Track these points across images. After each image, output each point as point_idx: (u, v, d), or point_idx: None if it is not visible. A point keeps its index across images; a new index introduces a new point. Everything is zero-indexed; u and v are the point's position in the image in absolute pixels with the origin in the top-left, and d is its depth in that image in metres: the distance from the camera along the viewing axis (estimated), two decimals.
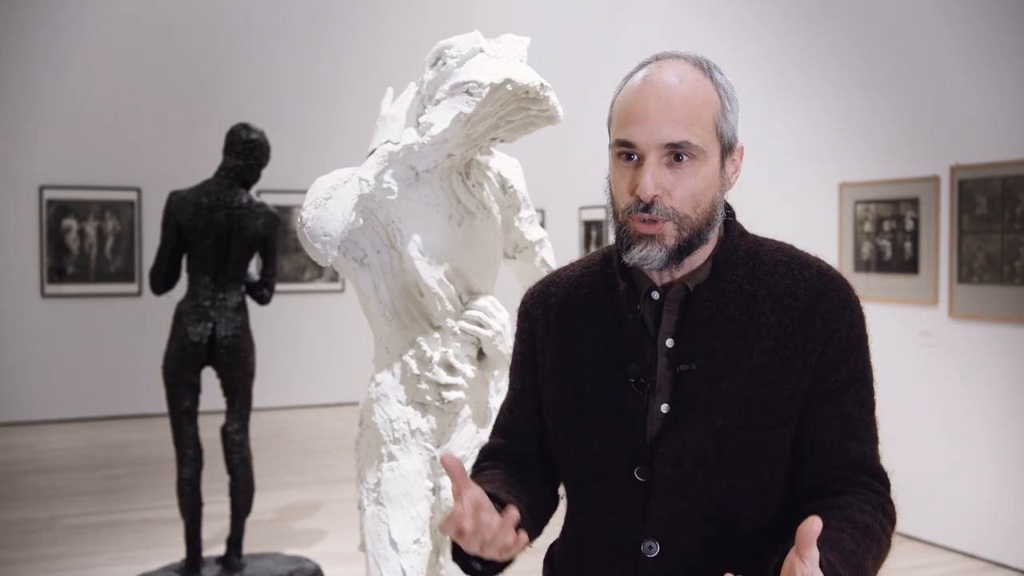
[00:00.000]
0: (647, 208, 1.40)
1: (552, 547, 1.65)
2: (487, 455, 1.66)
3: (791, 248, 1.52)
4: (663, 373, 1.45)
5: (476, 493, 1.36)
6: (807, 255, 1.51)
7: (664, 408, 1.44)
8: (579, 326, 1.55)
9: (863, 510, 1.38)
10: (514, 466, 1.61)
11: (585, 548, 1.53)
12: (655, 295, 1.48)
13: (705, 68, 1.46)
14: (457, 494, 1.35)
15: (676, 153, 1.40)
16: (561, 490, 1.62)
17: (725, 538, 1.42)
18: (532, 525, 1.52)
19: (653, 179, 1.39)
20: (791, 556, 1.22)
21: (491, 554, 1.35)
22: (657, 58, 1.47)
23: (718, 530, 1.42)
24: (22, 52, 8.67)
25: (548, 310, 1.60)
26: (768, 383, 1.42)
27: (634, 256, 1.43)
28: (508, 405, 1.67)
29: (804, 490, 1.44)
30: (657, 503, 1.42)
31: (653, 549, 1.43)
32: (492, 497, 1.44)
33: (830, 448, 1.43)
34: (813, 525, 1.20)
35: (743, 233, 1.53)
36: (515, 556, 1.41)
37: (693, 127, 1.40)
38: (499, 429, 1.68)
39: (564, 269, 1.66)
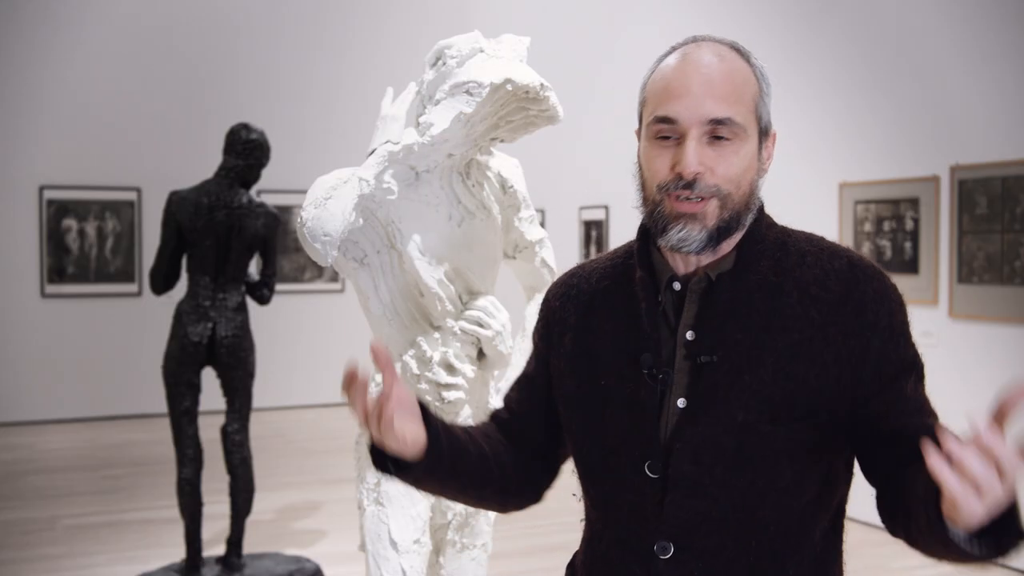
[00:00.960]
0: (689, 186, 1.35)
1: (574, 556, 1.59)
2: (491, 419, 1.67)
3: (820, 239, 1.46)
4: (681, 366, 1.40)
5: (404, 393, 1.38)
6: (837, 245, 1.45)
7: (681, 403, 1.38)
8: (598, 317, 1.51)
9: None
10: (504, 435, 1.61)
11: (599, 548, 1.48)
12: (676, 286, 1.44)
13: (743, 52, 1.43)
14: (387, 384, 1.36)
15: (717, 133, 1.36)
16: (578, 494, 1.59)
17: (743, 539, 1.36)
18: (471, 461, 1.51)
19: (696, 155, 1.35)
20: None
21: (369, 425, 1.36)
22: (694, 39, 1.44)
23: (736, 531, 1.35)
24: (22, 52, 8.67)
25: (568, 301, 1.57)
26: (793, 376, 1.35)
27: (672, 238, 1.37)
28: (515, 383, 1.66)
29: (900, 475, 1.32)
30: (672, 501, 1.37)
31: (667, 550, 1.37)
32: (445, 426, 1.47)
33: (913, 427, 1.32)
34: (1015, 388, 1.07)
35: (771, 224, 1.47)
36: (420, 465, 1.42)
37: (736, 104, 1.37)
38: (505, 399, 1.68)
39: (589, 262, 1.62)
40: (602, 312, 1.51)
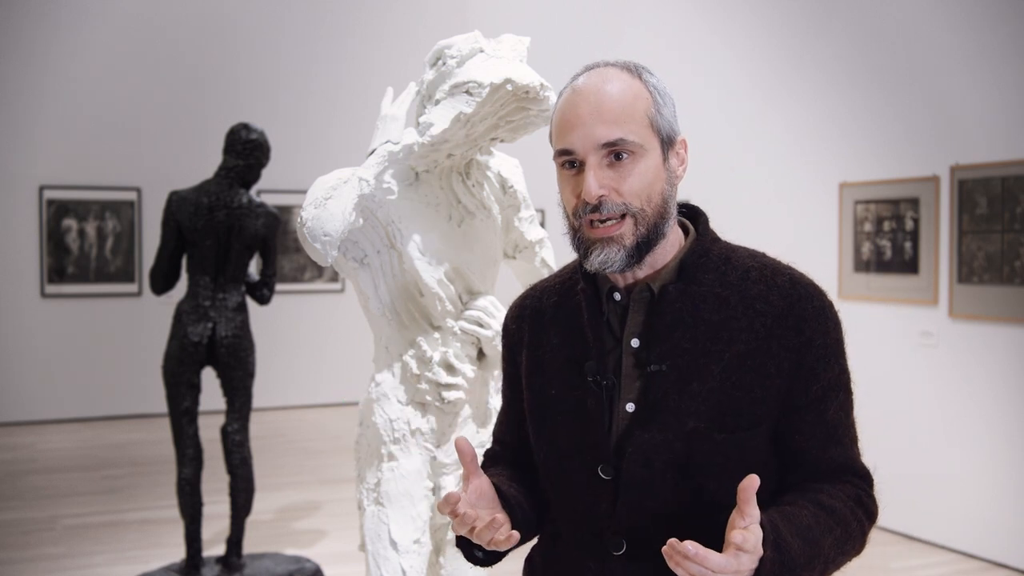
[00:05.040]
0: (596, 209, 1.43)
1: (532, 549, 1.67)
2: (490, 458, 1.72)
3: (763, 255, 1.54)
4: (629, 373, 1.47)
5: (483, 483, 1.43)
6: (779, 263, 1.53)
7: (630, 407, 1.45)
8: (548, 332, 1.58)
9: (834, 495, 1.41)
10: (515, 468, 1.66)
11: (558, 546, 1.56)
12: (617, 296, 1.51)
13: (634, 70, 1.49)
14: (466, 479, 1.43)
15: (615, 152, 1.43)
16: None
17: (695, 537, 1.40)
18: (531, 521, 1.56)
19: (596, 179, 1.42)
20: (733, 514, 1.26)
21: (480, 542, 1.41)
22: (587, 68, 1.51)
23: (687, 529, 1.41)
24: (22, 52, 8.67)
25: (522, 322, 1.65)
26: (740, 386, 1.42)
27: (594, 262, 1.45)
28: (499, 415, 1.74)
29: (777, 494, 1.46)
30: (625, 502, 1.44)
31: (620, 546, 1.45)
32: (498, 490, 1.50)
33: (816, 457, 1.45)
34: (751, 481, 1.25)
35: (715, 239, 1.55)
36: (509, 549, 1.45)
37: (626, 124, 1.43)
38: (494, 435, 1.75)
39: (540, 282, 1.71)
40: (551, 327, 1.58)
